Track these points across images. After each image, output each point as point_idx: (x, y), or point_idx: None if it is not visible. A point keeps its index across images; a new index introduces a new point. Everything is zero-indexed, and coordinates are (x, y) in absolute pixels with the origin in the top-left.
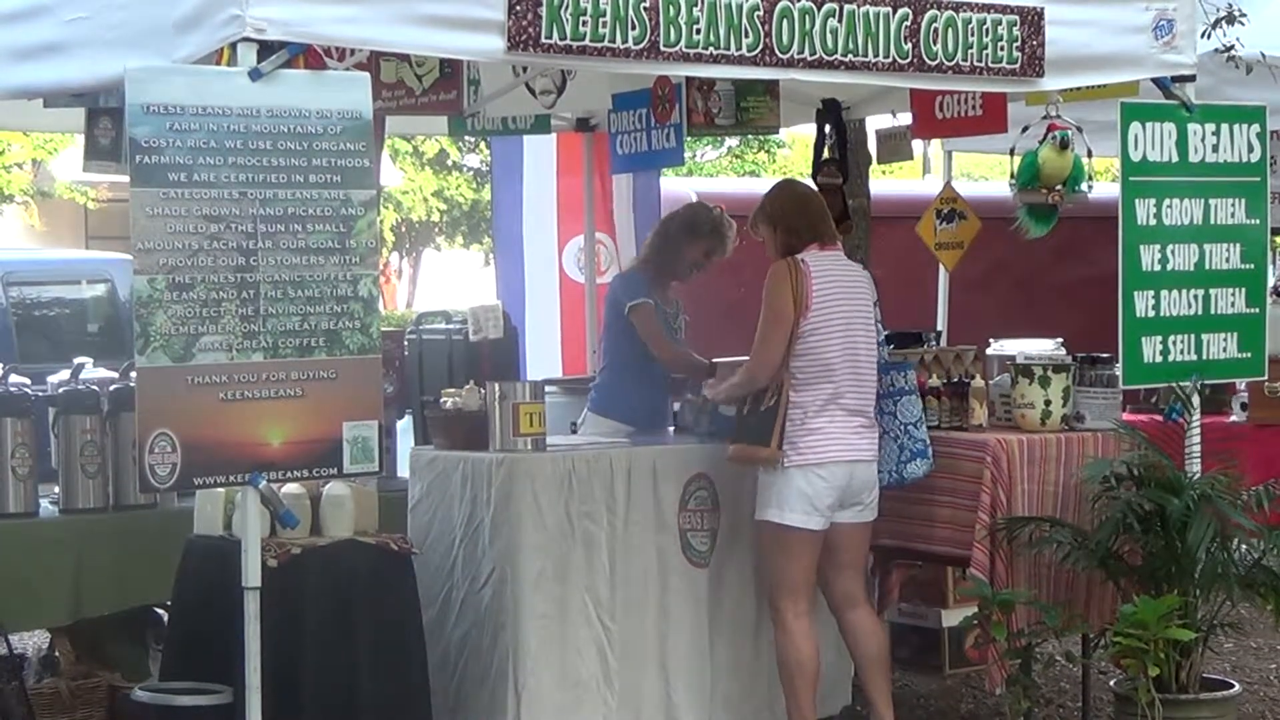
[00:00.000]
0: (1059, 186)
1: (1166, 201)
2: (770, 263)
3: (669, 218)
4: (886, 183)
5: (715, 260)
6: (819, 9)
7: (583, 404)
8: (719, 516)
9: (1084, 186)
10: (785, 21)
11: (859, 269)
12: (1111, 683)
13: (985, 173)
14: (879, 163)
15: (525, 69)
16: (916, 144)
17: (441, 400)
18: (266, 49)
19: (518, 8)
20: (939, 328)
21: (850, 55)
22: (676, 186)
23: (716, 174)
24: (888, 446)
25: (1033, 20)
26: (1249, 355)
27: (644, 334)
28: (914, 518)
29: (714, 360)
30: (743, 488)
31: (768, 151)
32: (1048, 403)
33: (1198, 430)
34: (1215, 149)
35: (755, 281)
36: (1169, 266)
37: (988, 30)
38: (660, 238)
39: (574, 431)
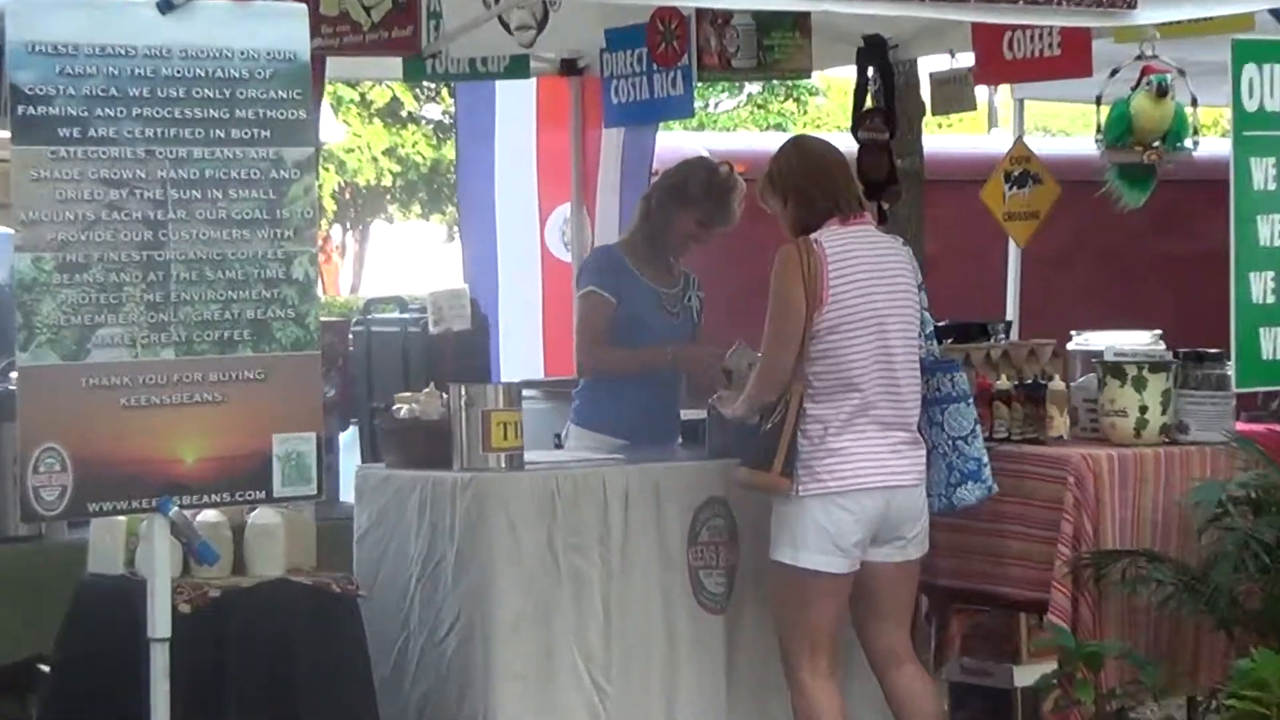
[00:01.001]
0: (1156, 143)
1: None
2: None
3: (657, 180)
4: (944, 138)
5: (717, 231)
6: None
7: (569, 412)
8: (738, 551)
9: (1187, 143)
10: None
11: (894, 245)
12: None
13: (1065, 127)
14: (934, 114)
15: None
16: (980, 91)
17: (395, 407)
18: None
19: None
20: (1009, 317)
21: None
22: (684, 144)
23: (734, 128)
24: (935, 465)
25: None
26: None
27: (576, 331)
28: (978, 552)
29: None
30: (767, 515)
31: (797, 100)
32: (1144, 409)
33: None
34: None
35: None
36: None
37: None
38: (645, 203)
39: (558, 446)
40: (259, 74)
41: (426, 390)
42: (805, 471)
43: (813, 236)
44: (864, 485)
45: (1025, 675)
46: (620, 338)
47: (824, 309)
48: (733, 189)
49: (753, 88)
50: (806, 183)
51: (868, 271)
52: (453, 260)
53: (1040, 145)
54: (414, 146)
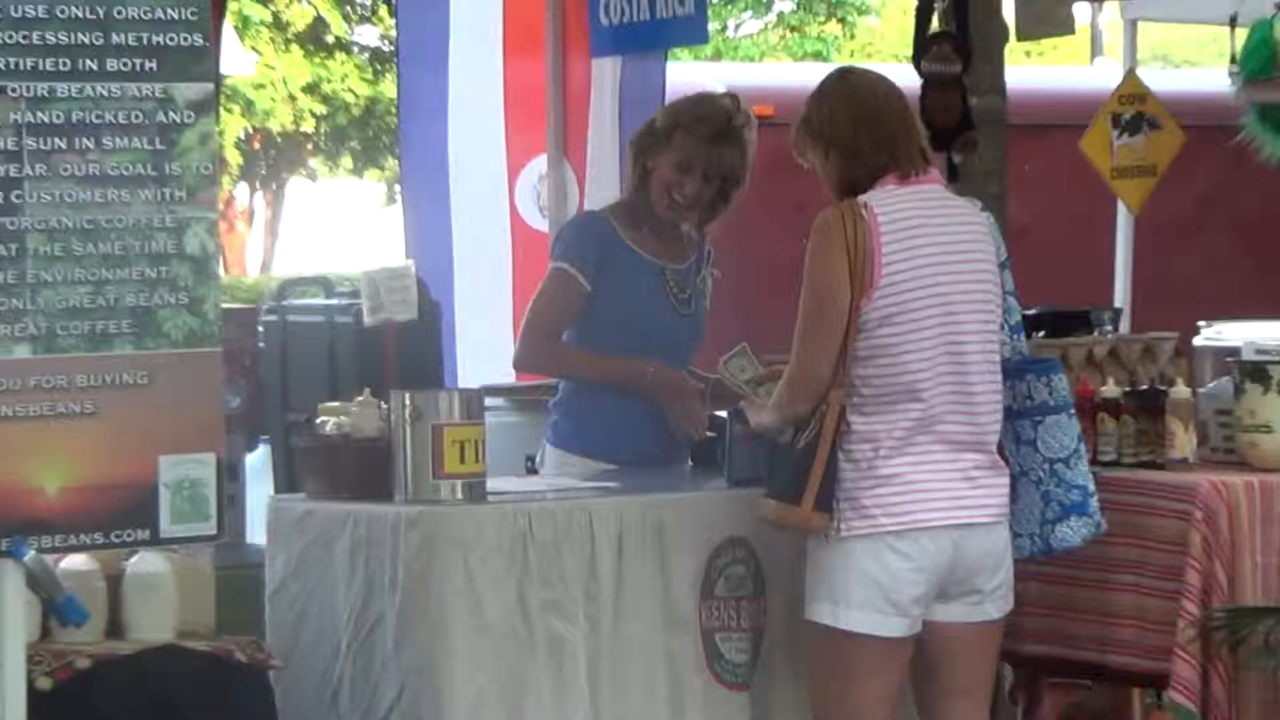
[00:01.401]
0: None
1: None
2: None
3: None
4: (1033, 70)
5: (706, 179)
6: None
7: (545, 428)
8: (765, 608)
9: None
10: None
11: (968, 211)
12: None
13: (1191, 56)
14: (1021, 39)
15: None
16: (1080, 9)
17: (318, 421)
18: None
19: None
20: (1118, 303)
21: None
22: (697, 78)
23: (760, 57)
24: (1025, 496)
25: None
26: None
27: (526, 315)
28: (1077, 609)
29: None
30: (803, 561)
31: (842, 21)
32: None
33: None
34: None
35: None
36: None
37: None
38: (631, 151)
39: (531, 471)
40: None
41: (360, 399)
42: (849, 505)
43: (861, 199)
44: (926, 522)
45: None
46: (610, 330)
47: (875, 293)
48: (727, 124)
49: (784, 5)
50: (854, 129)
51: (933, 244)
52: (393, 229)
53: (1159, 80)
54: (343, 81)
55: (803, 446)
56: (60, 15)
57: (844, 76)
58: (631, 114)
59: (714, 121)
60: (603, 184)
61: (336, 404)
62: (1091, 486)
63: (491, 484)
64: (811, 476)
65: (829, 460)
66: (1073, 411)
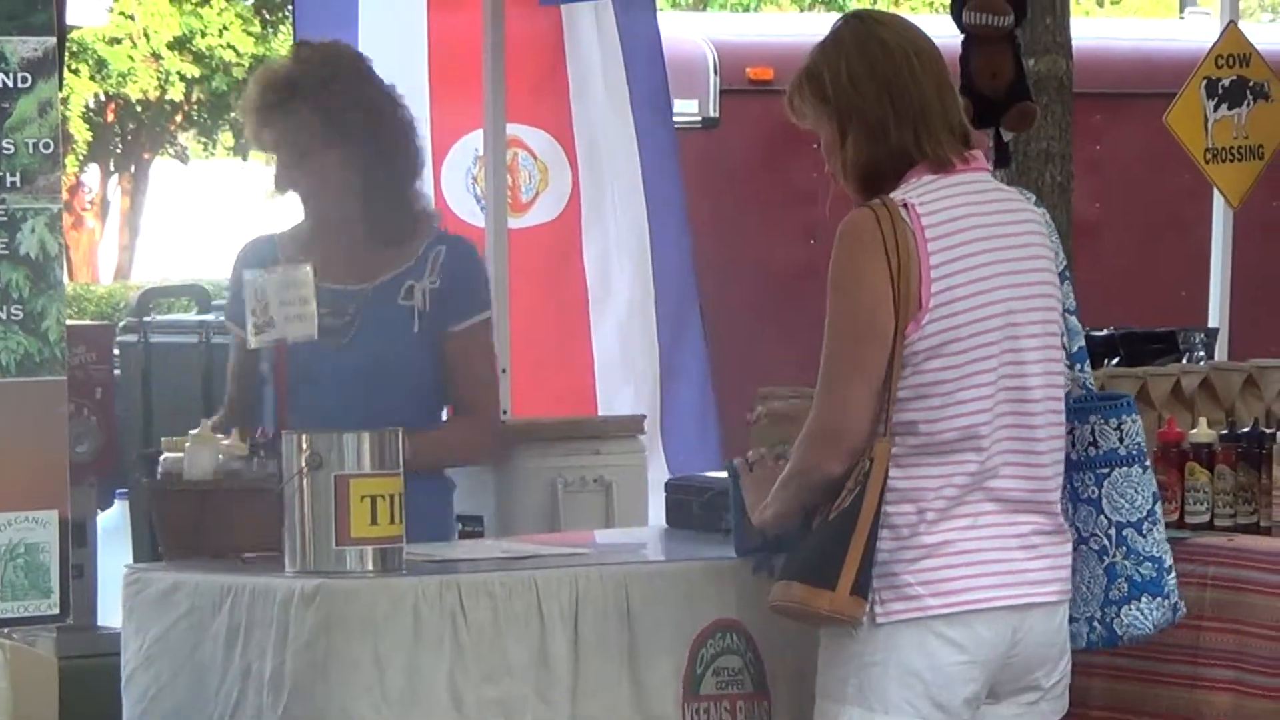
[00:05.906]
0: None
1: None
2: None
3: None
4: (1106, 24)
5: (306, 150)
6: None
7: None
8: (768, 709)
9: None
10: None
11: (1021, 207)
12: None
13: None
14: None
15: None
16: None
17: (164, 457)
18: None
19: None
20: (1213, 323)
21: None
22: (675, 32)
23: (754, 5)
24: (1085, 569)
25: None
26: None
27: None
28: (1157, 713)
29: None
30: (812, 650)
31: None
32: None
33: None
34: None
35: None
36: None
37: None
38: None
39: (468, 533)
40: None
41: (194, 431)
42: (885, 583)
43: (898, 196)
44: (983, 603)
45: None
46: (265, 373)
47: (924, 317)
48: (278, 84)
49: None
50: (879, 97)
51: (989, 251)
52: (286, 223)
53: (1266, 36)
54: (221, 35)
55: (836, 518)
56: None
57: (862, 21)
58: (639, 78)
59: (262, 91)
60: (602, 154)
61: (204, 434)
62: (1168, 560)
63: (410, 549)
64: (850, 551)
65: (872, 530)
66: (1149, 463)
